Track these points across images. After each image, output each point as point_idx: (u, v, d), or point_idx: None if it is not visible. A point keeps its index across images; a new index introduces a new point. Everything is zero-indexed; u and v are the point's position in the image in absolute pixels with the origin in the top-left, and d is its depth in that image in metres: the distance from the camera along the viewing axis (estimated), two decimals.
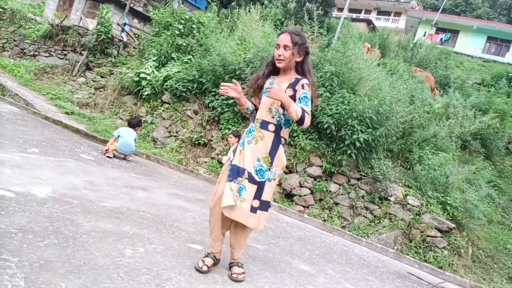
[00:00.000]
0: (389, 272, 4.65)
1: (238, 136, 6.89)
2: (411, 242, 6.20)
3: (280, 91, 2.45)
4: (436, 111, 10.04)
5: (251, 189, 2.53)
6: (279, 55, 2.55)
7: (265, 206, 2.60)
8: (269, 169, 2.58)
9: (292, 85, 2.58)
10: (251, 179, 2.53)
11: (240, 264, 2.73)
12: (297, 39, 2.54)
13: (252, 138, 2.60)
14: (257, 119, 2.65)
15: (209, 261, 2.64)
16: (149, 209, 3.76)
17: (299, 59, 2.61)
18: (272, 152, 2.59)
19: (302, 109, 2.47)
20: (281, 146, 2.63)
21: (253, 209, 2.54)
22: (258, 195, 2.55)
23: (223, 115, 8.29)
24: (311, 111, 2.56)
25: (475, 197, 6.92)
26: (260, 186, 2.55)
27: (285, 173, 7.18)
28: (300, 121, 2.46)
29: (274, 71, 2.72)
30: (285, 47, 2.53)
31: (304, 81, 2.56)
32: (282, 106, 2.52)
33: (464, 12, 39.07)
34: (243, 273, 2.70)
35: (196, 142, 8.31)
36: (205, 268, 2.58)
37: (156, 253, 2.65)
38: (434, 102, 10.77)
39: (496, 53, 29.52)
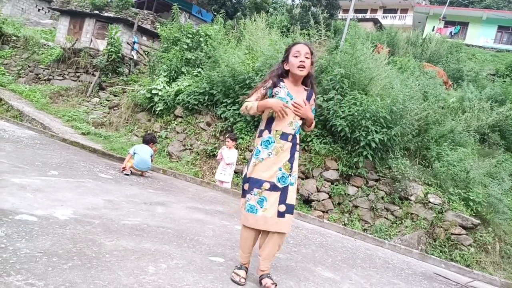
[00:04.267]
0: (415, 274, 4.55)
1: (235, 139, 6.92)
2: (435, 242, 6.07)
3: (309, 110, 2.71)
4: (451, 106, 9.88)
5: (273, 196, 2.62)
6: (302, 61, 2.67)
7: (291, 209, 2.69)
8: (290, 175, 2.69)
9: (308, 97, 2.78)
10: (272, 188, 2.63)
11: (269, 275, 2.72)
12: (313, 50, 2.75)
13: (273, 149, 2.68)
14: (276, 131, 2.69)
15: (243, 273, 2.69)
16: (169, 224, 3.78)
17: (312, 71, 2.79)
18: (291, 159, 2.72)
19: None
20: (296, 152, 2.77)
21: (281, 214, 2.62)
22: (282, 199, 2.64)
23: (235, 125, 8.33)
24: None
25: (498, 191, 6.74)
26: (284, 191, 2.64)
27: (302, 178, 7.14)
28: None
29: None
30: (306, 55, 2.68)
31: (314, 95, 2.85)
32: (301, 118, 2.75)
33: (472, 4, 38.54)
34: (276, 284, 2.66)
35: (211, 154, 8.35)
36: (243, 280, 2.63)
37: (178, 269, 2.66)
38: (448, 96, 10.60)
39: (508, 42, 28.93)
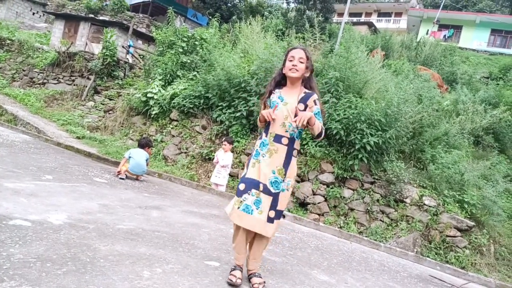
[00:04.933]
0: (411, 276, 4.57)
1: (231, 142, 6.93)
2: (430, 244, 6.10)
3: (306, 114, 2.52)
4: (445, 109, 9.94)
5: (267, 200, 2.66)
6: (294, 65, 2.71)
7: (279, 214, 2.73)
8: (283, 180, 2.71)
9: (304, 100, 2.71)
10: (266, 191, 2.67)
11: (257, 274, 2.79)
12: (309, 55, 2.77)
13: (267, 151, 2.72)
14: (270, 133, 2.74)
15: (239, 273, 2.71)
16: (164, 229, 3.77)
17: (307, 75, 2.78)
18: (286, 165, 2.72)
19: None
20: (293, 158, 2.76)
21: (270, 219, 2.67)
22: (273, 205, 2.68)
23: (231, 128, 8.33)
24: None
25: (492, 193, 6.79)
26: (275, 197, 2.68)
27: (297, 181, 7.15)
28: (319, 135, 2.68)
29: (279, 84, 2.88)
30: (300, 59, 2.71)
31: (315, 96, 2.74)
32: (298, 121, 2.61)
33: (465, 7, 38.85)
34: (264, 282, 2.75)
35: (207, 157, 8.33)
36: (239, 281, 2.65)
37: (173, 273, 2.65)
38: (442, 99, 10.67)
39: (501, 46, 29.22)
